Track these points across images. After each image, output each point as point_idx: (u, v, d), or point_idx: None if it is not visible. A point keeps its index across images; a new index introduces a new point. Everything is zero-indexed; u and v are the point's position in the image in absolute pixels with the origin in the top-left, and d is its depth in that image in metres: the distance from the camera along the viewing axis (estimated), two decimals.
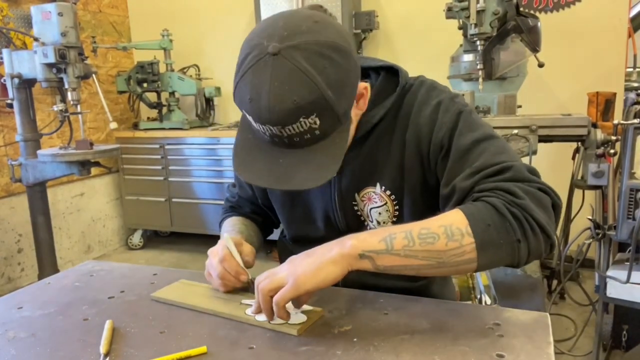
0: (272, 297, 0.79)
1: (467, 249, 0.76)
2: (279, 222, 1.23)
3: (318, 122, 0.79)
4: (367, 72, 1.02)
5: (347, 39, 0.83)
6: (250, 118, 0.82)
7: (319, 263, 0.78)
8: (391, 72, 1.01)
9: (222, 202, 1.28)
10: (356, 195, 1.02)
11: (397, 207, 1.01)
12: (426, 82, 1.00)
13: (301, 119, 0.78)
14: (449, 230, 0.77)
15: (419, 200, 0.99)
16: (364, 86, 0.89)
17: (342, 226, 1.06)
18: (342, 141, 0.84)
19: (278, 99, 0.76)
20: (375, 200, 1.01)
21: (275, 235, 1.29)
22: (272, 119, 0.78)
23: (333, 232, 1.06)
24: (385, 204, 1.01)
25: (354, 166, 1.00)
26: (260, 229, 1.22)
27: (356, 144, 0.99)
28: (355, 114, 0.91)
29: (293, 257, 0.83)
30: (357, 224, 1.05)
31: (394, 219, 1.02)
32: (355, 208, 1.03)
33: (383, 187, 0.99)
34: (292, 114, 0.77)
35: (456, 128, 0.90)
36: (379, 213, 1.02)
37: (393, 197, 1.00)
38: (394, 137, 0.97)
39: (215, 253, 0.97)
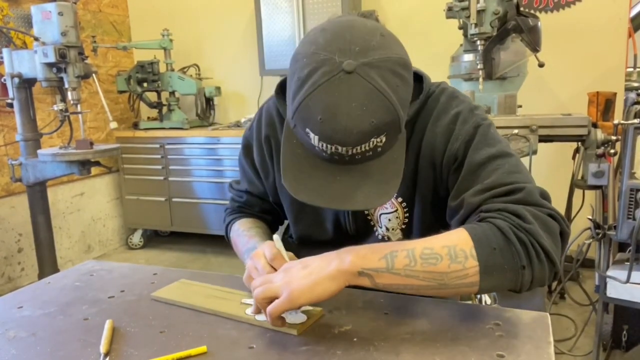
0: (267, 304, 0.77)
1: (470, 272, 0.73)
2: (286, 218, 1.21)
3: (384, 140, 0.78)
4: None
5: (409, 60, 0.82)
6: (313, 136, 0.77)
7: (316, 278, 0.75)
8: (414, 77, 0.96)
9: (222, 202, 1.27)
10: None
11: (407, 214, 0.99)
12: (447, 90, 0.97)
13: (372, 139, 0.76)
14: (453, 251, 0.74)
15: (429, 210, 0.97)
16: None
17: (352, 230, 1.05)
18: (400, 155, 0.82)
19: (357, 121, 0.74)
20: (386, 206, 0.99)
21: None
22: (347, 141, 0.75)
23: (341, 235, 1.05)
24: (396, 210, 0.99)
25: None
26: (270, 228, 1.19)
27: None
28: None
29: (289, 265, 0.81)
30: (366, 228, 1.04)
31: (403, 226, 1.01)
32: (366, 212, 1.02)
33: (395, 194, 0.96)
34: (367, 135, 0.75)
35: (472, 141, 0.88)
36: (389, 219, 1.00)
37: (404, 204, 0.99)
38: (409, 144, 0.94)
39: (260, 255, 0.89)
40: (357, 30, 0.78)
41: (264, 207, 1.18)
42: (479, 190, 0.83)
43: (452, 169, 0.90)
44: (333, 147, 0.77)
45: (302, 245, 1.11)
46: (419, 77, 0.95)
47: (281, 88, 0.97)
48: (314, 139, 0.77)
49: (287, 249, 0.95)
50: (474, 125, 0.89)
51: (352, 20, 0.82)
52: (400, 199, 0.98)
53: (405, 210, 0.99)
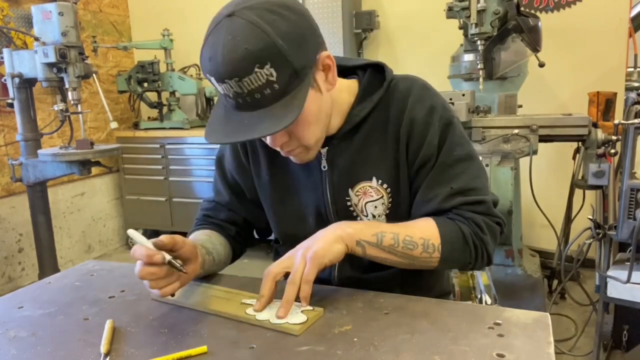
0: (278, 280, 0.88)
1: (433, 259, 0.96)
2: (262, 229, 1.21)
3: (274, 73, 0.81)
4: (354, 72, 1.06)
5: (303, 9, 0.88)
6: (213, 80, 0.85)
7: (330, 240, 0.90)
8: (377, 69, 1.05)
9: None
10: (350, 190, 1.03)
11: (391, 199, 1.03)
12: (418, 81, 1.04)
13: (256, 69, 0.80)
14: (426, 243, 0.94)
15: (408, 192, 1.03)
16: (326, 55, 0.90)
17: (334, 222, 1.05)
18: (301, 96, 0.86)
19: (230, 49, 0.80)
20: (372, 194, 1.03)
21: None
22: (228, 70, 0.81)
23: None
24: (381, 197, 1.03)
25: (345, 161, 1.03)
26: (233, 238, 1.16)
27: (345, 138, 1.02)
28: (327, 88, 0.93)
29: (297, 247, 0.92)
30: (350, 219, 1.05)
31: (387, 212, 1.04)
32: (348, 203, 1.04)
33: (380, 181, 1.02)
34: (244, 61, 0.80)
35: (445, 140, 0.99)
36: (375, 207, 1.03)
37: (389, 189, 1.02)
38: (388, 131, 1.01)
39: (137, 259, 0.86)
40: None
41: (230, 217, 1.17)
42: (450, 195, 0.98)
43: (425, 164, 1.00)
44: (227, 87, 0.83)
45: (286, 245, 1.10)
46: (380, 68, 1.04)
47: None
48: (215, 83, 0.85)
49: (276, 256, 0.97)
50: (447, 123, 1.00)
51: None
52: (385, 185, 1.02)
53: (389, 195, 1.03)
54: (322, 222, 1.06)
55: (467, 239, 0.96)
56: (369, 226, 0.95)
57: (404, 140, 1.00)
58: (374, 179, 1.02)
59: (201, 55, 0.86)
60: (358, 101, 1.02)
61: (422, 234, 0.94)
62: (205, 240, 1.06)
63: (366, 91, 1.02)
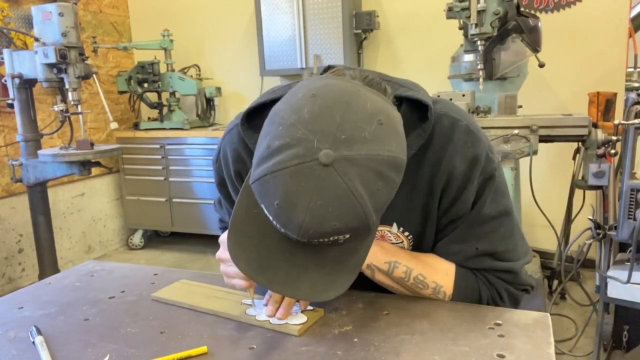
0: None
1: (440, 301, 0.92)
2: None
3: (348, 237, 0.68)
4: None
5: (404, 142, 0.72)
6: (276, 224, 0.69)
7: None
8: (412, 103, 0.87)
9: None
10: None
11: (412, 245, 0.96)
12: (461, 121, 0.89)
13: (332, 237, 0.67)
14: (437, 289, 0.91)
15: (432, 239, 0.96)
16: None
17: None
18: (364, 249, 0.75)
19: (316, 221, 0.64)
20: (390, 238, 0.96)
21: None
22: (301, 236, 0.66)
23: None
24: (401, 242, 0.96)
25: None
26: None
27: None
28: None
29: None
30: None
31: None
32: None
33: (401, 229, 0.94)
34: (326, 235, 0.66)
35: (481, 197, 0.89)
36: None
37: (411, 237, 0.95)
38: (419, 180, 0.89)
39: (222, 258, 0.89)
40: (352, 111, 0.66)
41: None
42: (476, 256, 0.91)
43: (456, 220, 0.91)
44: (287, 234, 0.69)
45: None
46: (424, 106, 0.86)
47: (247, 118, 0.91)
48: (270, 217, 0.69)
49: None
50: (488, 177, 0.89)
51: (353, 93, 0.69)
52: (406, 233, 0.95)
53: (410, 241, 0.96)
54: None
55: (481, 302, 0.92)
56: (385, 251, 0.90)
57: (437, 192, 0.89)
58: (395, 225, 0.94)
59: (263, 180, 0.66)
60: None
61: (437, 278, 0.90)
62: None
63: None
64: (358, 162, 0.64)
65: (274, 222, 0.68)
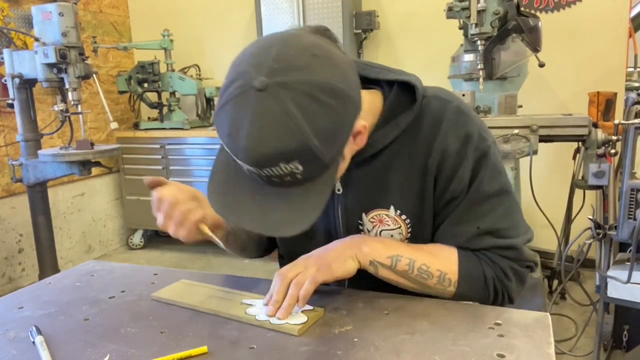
0: (291, 283, 0.86)
1: (447, 292, 0.92)
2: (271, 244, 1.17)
3: (300, 167, 0.72)
4: (378, 82, 0.95)
5: (348, 77, 0.75)
6: (227, 150, 0.76)
7: (344, 256, 0.89)
8: (404, 86, 0.92)
9: None
10: (363, 215, 0.96)
11: (410, 230, 0.96)
12: (452, 101, 0.92)
13: (281, 164, 0.71)
14: (442, 276, 0.90)
15: (431, 224, 0.96)
16: (362, 124, 0.80)
17: None
18: (326, 188, 0.78)
19: (257, 142, 0.70)
20: (388, 222, 0.96)
21: None
22: (249, 161, 0.72)
23: None
24: (399, 227, 0.96)
25: (362, 186, 0.95)
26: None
27: (364, 163, 0.93)
28: (351, 149, 0.83)
29: (306, 255, 0.91)
30: None
31: (406, 241, 0.98)
32: (361, 228, 0.98)
33: (398, 212, 0.94)
34: (270, 158, 0.71)
35: (477, 175, 0.90)
36: (391, 235, 0.97)
37: (408, 221, 0.95)
38: (414, 161, 0.91)
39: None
40: (287, 45, 0.73)
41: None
42: (477, 235, 0.91)
43: (453, 199, 0.92)
44: (245, 165, 0.74)
45: (291, 260, 1.07)
46: (410, 87, 0.91)
47: None
48: (229, 153, 0.76)
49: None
50: (482, 154, 0.90)
51: (293, 35, 0.76)
52: (404, 216, 0.95)
53: (408, 226, 0.96)
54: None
55: (487, 282, 0.91)
56: (386, 246, 0.91)
57: (432, 172, 0.91)
58: (392, 208, 0.94)
59: (217, 116, 0.74)
60: (381, 124, 0.91)
61: (440, 266, 0.90)
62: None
63: (392, 113, 0.91)
64: (290, 86, 0.69)
65: (231, 154, 0.75)
